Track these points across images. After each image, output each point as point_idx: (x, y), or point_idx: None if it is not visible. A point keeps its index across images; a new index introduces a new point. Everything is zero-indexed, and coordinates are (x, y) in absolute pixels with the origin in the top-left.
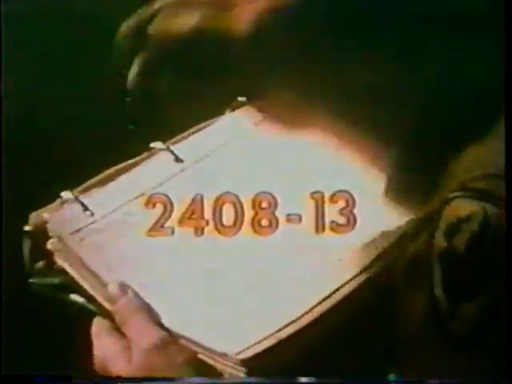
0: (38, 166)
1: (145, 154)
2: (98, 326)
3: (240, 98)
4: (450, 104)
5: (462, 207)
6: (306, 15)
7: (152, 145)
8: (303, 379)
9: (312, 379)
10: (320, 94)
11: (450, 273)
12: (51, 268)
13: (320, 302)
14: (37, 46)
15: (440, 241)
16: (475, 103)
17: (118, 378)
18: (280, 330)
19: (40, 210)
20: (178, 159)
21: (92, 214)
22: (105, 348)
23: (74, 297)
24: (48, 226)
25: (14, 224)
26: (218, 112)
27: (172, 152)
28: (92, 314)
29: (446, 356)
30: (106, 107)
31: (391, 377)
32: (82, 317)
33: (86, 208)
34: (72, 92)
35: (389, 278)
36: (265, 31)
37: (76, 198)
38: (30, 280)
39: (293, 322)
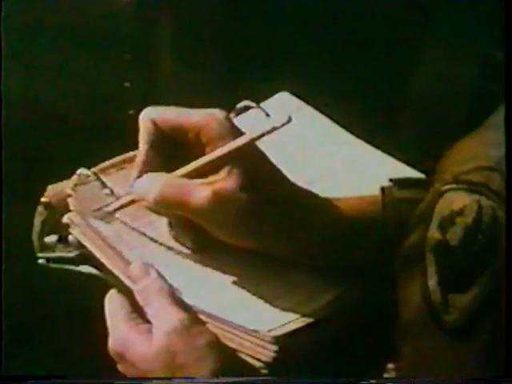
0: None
1: None
2: (114, 305)
3: (245, 102)
4: (445, 97)
5: (456, 200)
6: None
7: None
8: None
9: (312, 379)
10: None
11: (444, 265)
12: (64, 242)
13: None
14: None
15: (434, 233)
16: (469, 96)
17: (116, 377)
18: (308, 314)
19: (58, 184)
20: None
21: (112, 193)
22: (124, 330)
23: (90, 269)
24: (70, 200)
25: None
26: None
27: None
28: (107, 288)
29: (440, 347)
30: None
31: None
32: (97, 290)
33: (105, 186)
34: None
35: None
36: None
37: (96, 175)
38: (39, 254)
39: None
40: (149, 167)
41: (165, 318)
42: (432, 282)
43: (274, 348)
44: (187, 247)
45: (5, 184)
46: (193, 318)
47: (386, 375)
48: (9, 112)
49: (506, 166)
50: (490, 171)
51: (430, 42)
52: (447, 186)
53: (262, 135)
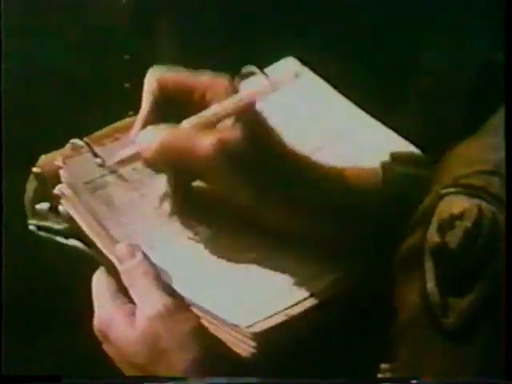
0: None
1: None
2: (100, 283)
3: (249, 67)
4: (446, 100)
5: (456, 203)
6: None
7: None
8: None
9: (312, 380)
10: None
11: (443, 268)
12: (55, 212)
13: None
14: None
15: (433, 236)
16: (470, 99)
17: (110, 377)
18: (290, 307)
19: (50, 154)
20: None
21: (103, 164)
22: (108, 309)
23: (77, 243)
24: (61, 172)
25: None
26: None
27: None
28: (93, 264)
29: (438, 350)
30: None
31: (384, 368)
32: (83, 264)
33: (97, 156)
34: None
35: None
36: None
37: (88, 146)
38: (29, 221)
39: (302, 300)
40: (151, 123)
41: (149, 302)
42: (431, 284)
43: (253, 344)
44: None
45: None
46: (178, 303)
47: (380, 375)
48: (8, 114)
49: (505, 169)
50: (490, 175)
51: (430, 42)
52: (447, 190)
53: (265, 93)
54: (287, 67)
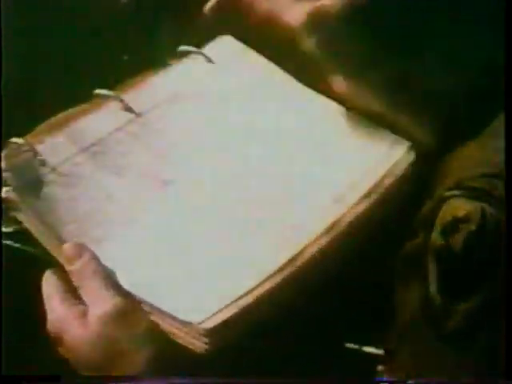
0: None
1: (94, 101)
2: (50, 285)
3: (184, 47)
4: (448, 102)
5: (460, 206)
6: None
7: (98, 91)
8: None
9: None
10: None
11: (446, 271)
12: (6, 216)
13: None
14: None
15: (436, 239)
16: (473, 101)
17: (109, 377)
18: (240, 297)
19: None
20: (127, 108)
21: (44, 163)
22: (59, 312)
23: (27, 248)
24: (5, 174)
25: None
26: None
27: (121, 100)
28: (45, 267)
29: (438, 351)
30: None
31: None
32: (34, 268)
33: (38, 155)
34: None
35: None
36: None
37: (29, 145)
38: None
39: (253, 289)
40: None
41: (99, 302)
42: (433, 286)
43: (206, 340)
44: None
45: None
46: (129, 302)
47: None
48: (8, 113)
49: (506, 171)
50: (493, 178)
51: (430, 43)
52: (451, 192)
53: None
54: (224, 46)
